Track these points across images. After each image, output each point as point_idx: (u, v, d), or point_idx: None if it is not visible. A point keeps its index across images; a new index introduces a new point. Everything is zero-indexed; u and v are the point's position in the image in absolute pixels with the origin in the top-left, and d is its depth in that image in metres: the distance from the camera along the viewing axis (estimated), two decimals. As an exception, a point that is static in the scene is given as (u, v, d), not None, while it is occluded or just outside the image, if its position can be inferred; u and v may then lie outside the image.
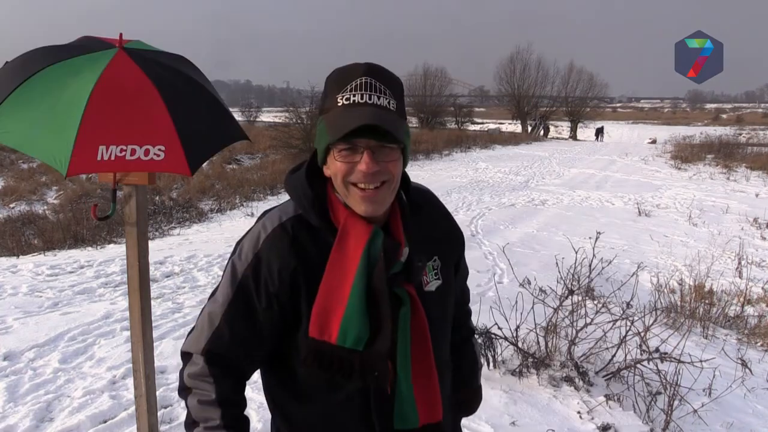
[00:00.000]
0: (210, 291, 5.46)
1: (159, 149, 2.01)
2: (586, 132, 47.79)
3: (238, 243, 1.25)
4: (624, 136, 49.27)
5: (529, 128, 45.47)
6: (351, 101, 1.11)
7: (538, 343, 3.88)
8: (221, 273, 7.45)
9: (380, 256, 1.14)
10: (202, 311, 1.26)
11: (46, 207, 14.45)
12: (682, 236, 9.57)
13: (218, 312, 1.21)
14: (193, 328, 1.28)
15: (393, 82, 1.16)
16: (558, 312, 3.90)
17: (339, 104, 1.12)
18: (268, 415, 3.29)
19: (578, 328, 3.81)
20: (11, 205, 14.92)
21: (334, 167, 1.14)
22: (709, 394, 3.52)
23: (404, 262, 1.20)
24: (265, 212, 1.27)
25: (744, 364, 4.17)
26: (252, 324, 1.19)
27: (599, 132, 42.88)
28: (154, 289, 5.37)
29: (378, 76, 1.14)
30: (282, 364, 1.25)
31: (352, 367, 1.15)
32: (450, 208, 1.56)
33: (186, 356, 1.26)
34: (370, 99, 1.11)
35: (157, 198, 13.65)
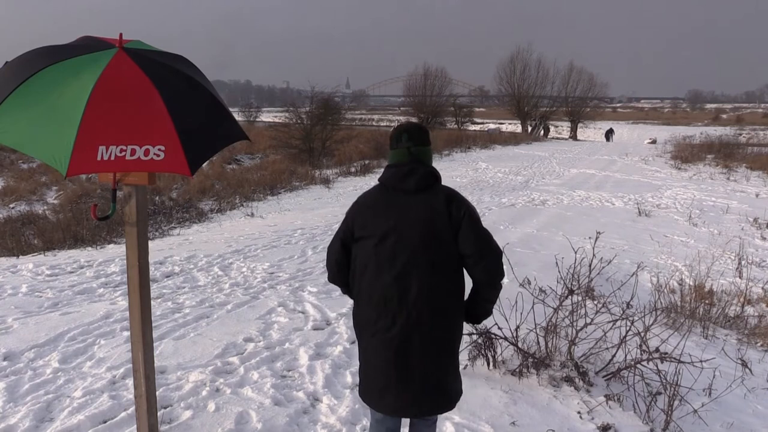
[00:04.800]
0: (210, 291, 5.48)
1: (159, 149, 2.01)
2: (586, 132, 47.77)
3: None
4: (624, 136, 49.24)
5: (529, 128, 45.43)
6: None
7: (538, 343, 3.87)
8: (221, 273, 7.37)
9: None
10: None
11: (46, 207, 14.44)
12: (682, 236, 9.57)
13: None
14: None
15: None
16: (558, 312, 3.90)
17: None
18: (268, 415, 3.28)
19: (578, 328, 3.81)
20: (11, 205, 14.92)
21: None
22: (709, 394, 3.52)
23: None
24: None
25: (744, 364, 4.17)
26: None
27: (609, 133, 43.00)
28: (154, 289, 5.36)
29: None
30: None
31: None
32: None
33: None
34: None
35: (157, 198, 13.64)
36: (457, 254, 2.13)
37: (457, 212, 2.13)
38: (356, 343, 2.28)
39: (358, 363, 2.28)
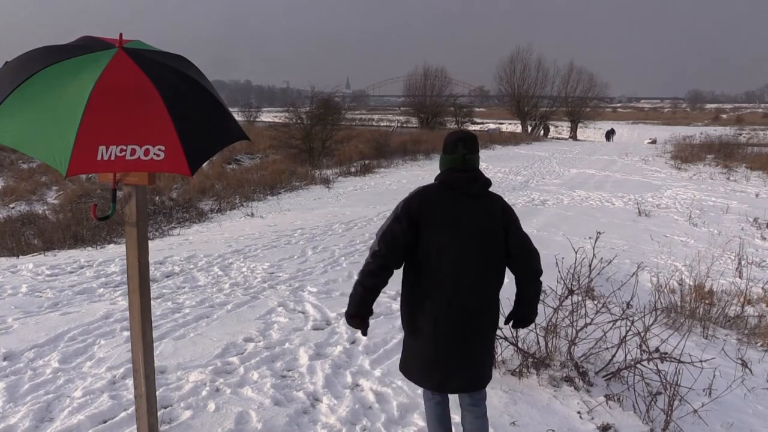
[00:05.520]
0: (210, 291, 5.48)
1: (159, 149, 2.01)
2: (586, 132, 47.77)
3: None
4: (624, 136, 49.24)
5: (529, 128, 45.42)
6: None
7: (538, 343, 3.88)
8: (221, 273, 7.36)
9: None
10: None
11: (46, 207, 14.45)
12: (682, 236, 9.57)
13: None
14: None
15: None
16: (558, 312, 3.90)
17: None
18: (268, 415, 3.27)
19: (578, 328, 3.81)
20: (11, 205, 14.93)
21: None
22: (709, 394, 3.52)
23: None
24: None
25: (744, 364, 4.18)
26: None
27: (610, 133, 43.08)
28: (154, 289, 5.36)
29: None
30: None
31: None
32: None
33: None
34: None
35: (157, 198, 13.65)
36: (504, 251, 2.47)
37: (507, 216, 2.54)
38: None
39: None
